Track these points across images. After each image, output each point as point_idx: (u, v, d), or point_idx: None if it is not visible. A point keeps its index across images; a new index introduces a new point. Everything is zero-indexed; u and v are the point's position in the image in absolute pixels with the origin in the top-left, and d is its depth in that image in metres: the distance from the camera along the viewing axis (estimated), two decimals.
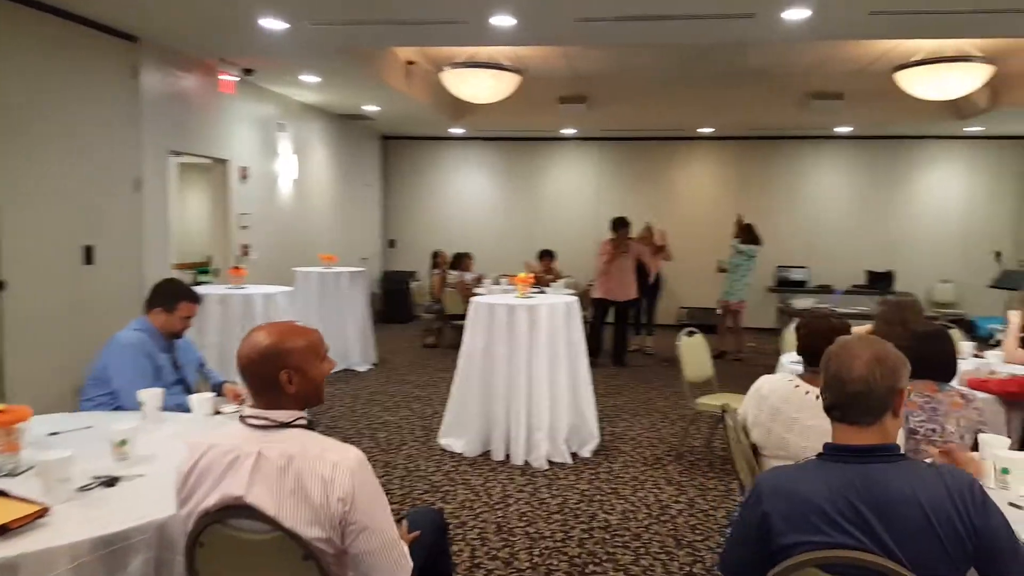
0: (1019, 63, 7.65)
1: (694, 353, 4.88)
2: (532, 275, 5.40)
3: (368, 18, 5.37)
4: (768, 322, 11.12)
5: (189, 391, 3.46)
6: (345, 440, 5.21)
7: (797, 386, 2.64)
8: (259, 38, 5.94)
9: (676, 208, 11.37)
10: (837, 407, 1.70)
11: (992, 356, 3.89)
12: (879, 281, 10.00)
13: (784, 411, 2.62)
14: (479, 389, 4.90)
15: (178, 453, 2.43)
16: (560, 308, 4.89)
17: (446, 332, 9.10)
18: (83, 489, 2.12)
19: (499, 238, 11.73)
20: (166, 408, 2.94)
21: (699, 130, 10.56)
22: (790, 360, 4.20)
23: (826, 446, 1.70)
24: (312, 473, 1.69)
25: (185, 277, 10.83)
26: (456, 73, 7.09)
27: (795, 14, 5.12)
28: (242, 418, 1.82)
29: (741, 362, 8.34)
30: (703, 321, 10.39)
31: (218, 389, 3.55)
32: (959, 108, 9.09)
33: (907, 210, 10.89)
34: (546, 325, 4.77)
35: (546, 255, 9.45)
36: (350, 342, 7.65)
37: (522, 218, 11.72)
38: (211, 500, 1.74)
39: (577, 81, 9.71)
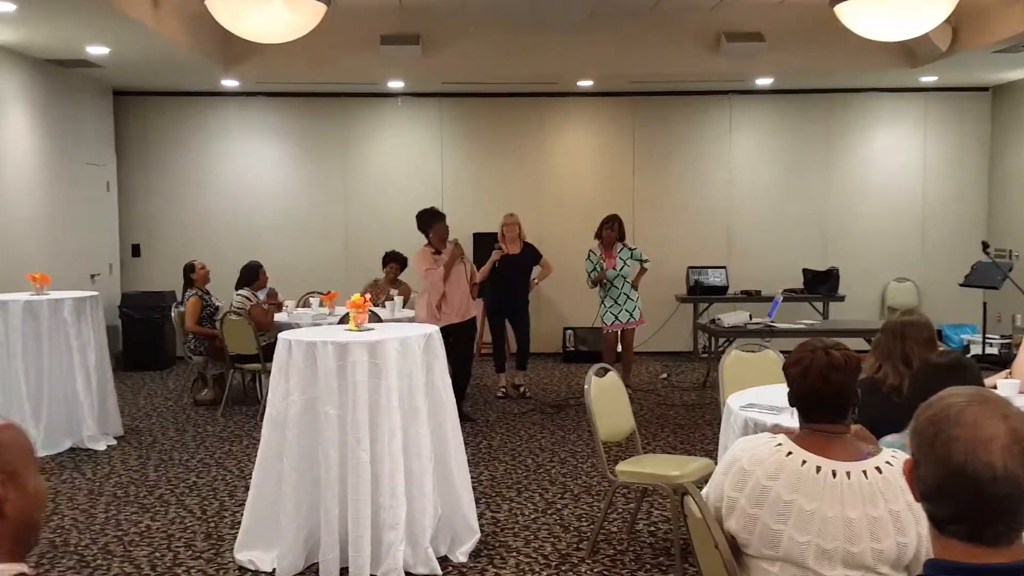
0: None
1: (609, 400, 4.83)
2: (366, 297, 5.16)
3: None
4: (681, 343, 11.46)
5: None
6: (82, 564, 4.86)
7: (790, 453, 2.59)
8: None
9: (551, 190, 11.55)
10: (964, 520, 1.54)
11: (1004, 385, 4.06)
12: (820, 282, 10.50)
13: (773, 491, 2.56)
14: (297, 473, 4.64)
15: None
16: (416, 343, 4.76)
17: (229, 380, 8.72)
18: None
19: (300, 239, 11.51)
20: None
21: (578, 83, 10.77)
22: (740, 404, 4.22)
23: (936, 564, 1.57)
24: None
25: None
26: (230, 1, 6.78)
27: None
28: None
29: (635, 392, 8.55)
30: (595, 347, 10.54)
31: None
32: (913, 52, 9.72)
33: (849, 188, 11.53)
34: (397, 370, 4.62)
35: (393, 260, 9.48)
36: (79, 407, 7.24)
37: (333, 210, 11.58)
38: None
39: (407, 15, 9.59)
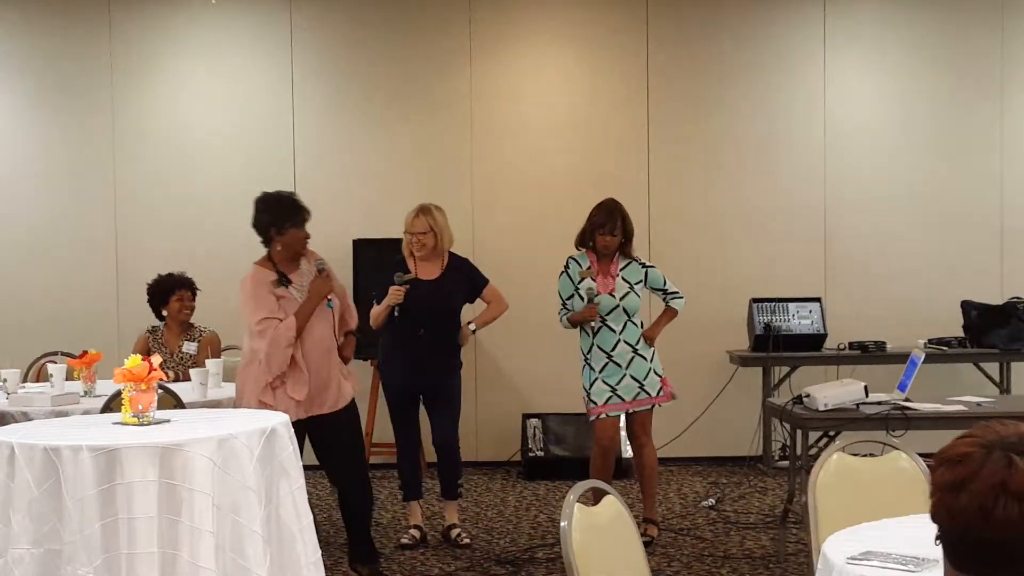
0: None
1: (608, 549, 4.77)
2: (151, 361, 5.16)
3: None
4: (740, 440, 11.56)
5: None
6: None
7: None
8: None
9: (495, 161, 11.85)
10: None
11: None
12: (994, 326, 10.62)
13: None
14: None
15: None
16: (248, 446, 4.89)
17: None
18: None
19: (27, 254, 11.81)
20: None
21: None
22: (848, 554, 4.21)
23: None
24: None
25: None
26: None
27: None
28: None
29: (658, 534, 8.79)
30: (579, 451, 10.50)
31: None
32: None
33: None
34: (213, 498, 4.81)
35: (178, 287, 9.73)
36: None
37: (91, 199, 11.92)
38: None
39: None
